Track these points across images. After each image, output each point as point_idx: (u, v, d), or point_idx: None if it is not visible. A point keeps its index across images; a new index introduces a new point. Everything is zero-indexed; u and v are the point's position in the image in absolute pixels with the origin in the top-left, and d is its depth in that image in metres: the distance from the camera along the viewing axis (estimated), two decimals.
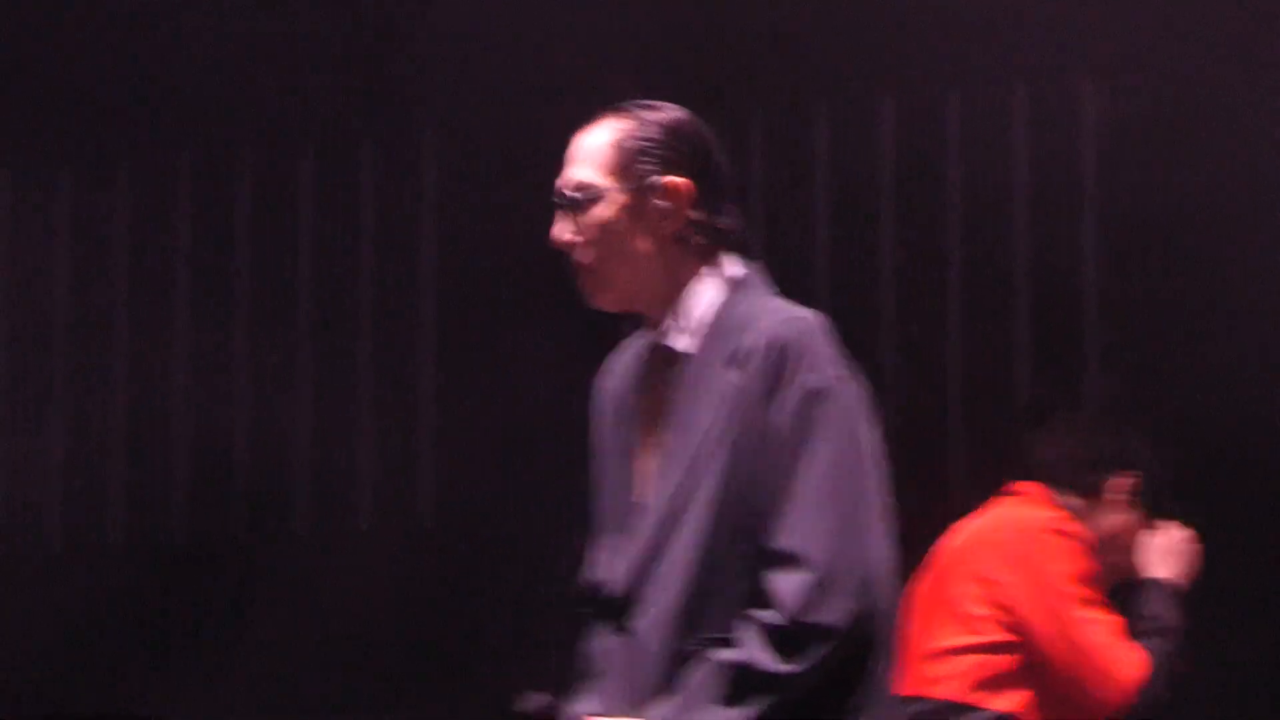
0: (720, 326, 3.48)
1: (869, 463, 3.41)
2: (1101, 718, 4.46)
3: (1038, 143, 6.30)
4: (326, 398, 6.96)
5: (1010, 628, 4.46)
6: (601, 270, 3.51)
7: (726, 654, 3.34)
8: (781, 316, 3.43)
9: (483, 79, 6.72)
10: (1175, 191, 6.11)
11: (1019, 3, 6.11)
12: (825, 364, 3.39)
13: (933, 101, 6.39)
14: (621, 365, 3.63)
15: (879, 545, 3.39)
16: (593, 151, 3.51)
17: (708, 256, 3.52)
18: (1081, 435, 4.66)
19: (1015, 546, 4.41)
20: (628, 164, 3.49)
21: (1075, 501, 4.54)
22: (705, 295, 3.51)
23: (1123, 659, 4.43)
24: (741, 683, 3.35)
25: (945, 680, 4.39)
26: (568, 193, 3.51)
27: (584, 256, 3.49)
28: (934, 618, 4.44)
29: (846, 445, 3.39)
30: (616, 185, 3.49)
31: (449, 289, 6.90)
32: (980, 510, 4.56)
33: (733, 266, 3.53)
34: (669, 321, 3.50)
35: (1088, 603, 4.43)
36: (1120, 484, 4.54)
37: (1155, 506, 4.56)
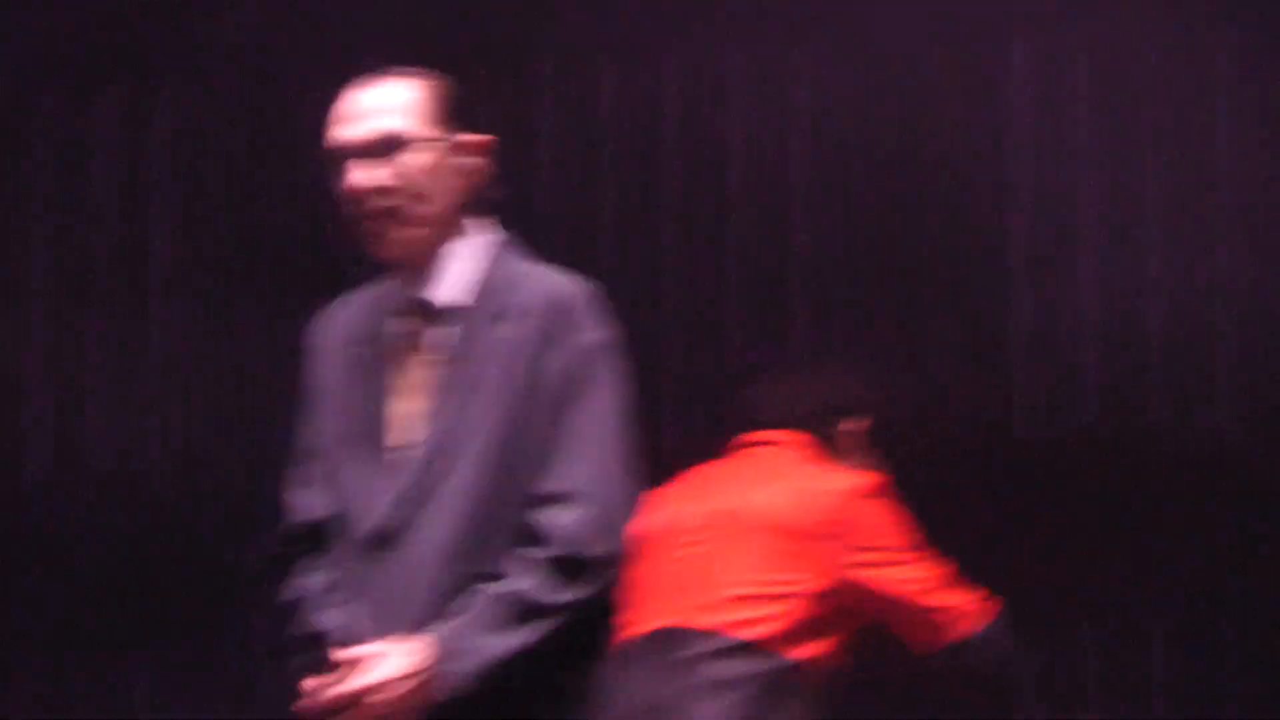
0: (489, 285, 3.72)
1: (630, 415, 3.74)
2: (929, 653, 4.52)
3: (750, 110, 6.44)
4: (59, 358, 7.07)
5: (833, 577, 4.34)
6: (403, 214, 3.68)
7: (500, 586, 3.60)
8: (557, 279, 3.73)
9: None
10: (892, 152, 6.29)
11: None
12: (599, 323, 3.72)
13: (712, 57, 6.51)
14: (347, 315, 3.84)
15: (636, 489, 3.76)
16: (398, 104, 3.70)
17: (474, 217, 3.75)
18: (815, 383, 4.74)
19: (834, 499, 4.36)
20: (439, 117, 3.72)
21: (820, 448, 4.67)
22: (470, 254, 3.74)
23: (954, 601, 4.38)
24: (514, 612, 3.62)
25: (756, 623, 4.26)
26: (372, 140, 3.67)
27: (387, 200, 3.67)
28: (743, 560, 4.33)
29: (619, 397, 3.74)
30: (428, 135, 3.70)
31: (182, 254, 6.99)
32: (733, 458, 4.62)
33: (492, 230, 3.77)
34: (430, 275, 3.72)
35: (917, 548, 4.42)
36: (855, 428, 4.63)
37: (886, 451, 4.66)
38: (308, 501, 3.84)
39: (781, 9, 6.36)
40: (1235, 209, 6.24)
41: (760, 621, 4.27)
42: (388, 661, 3.63)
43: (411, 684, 3.62)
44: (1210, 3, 6.29)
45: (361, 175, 3.69)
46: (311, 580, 3.80)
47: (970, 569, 4.34)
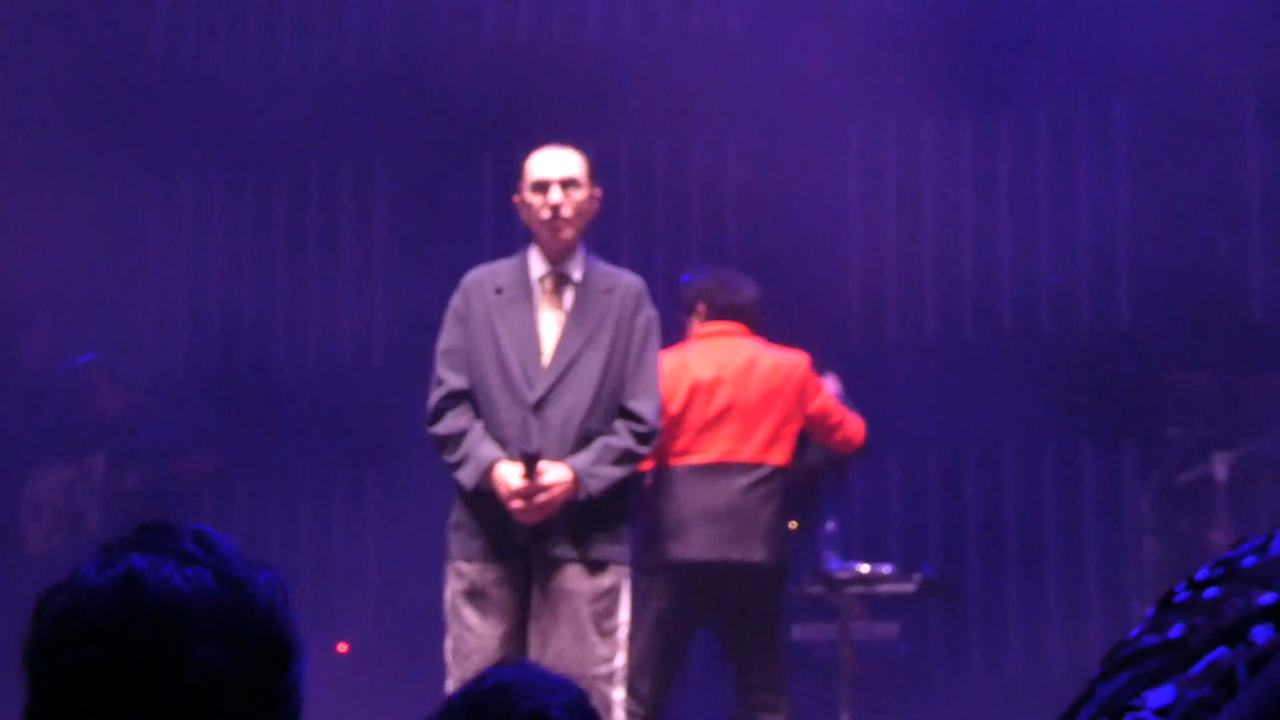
0: (592, 271, 6.10)
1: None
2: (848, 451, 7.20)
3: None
4: None
5: (804, 415, 7.04)
6: (572, 224, 6.03)
7: (613, 439, 5.95)
8: (630, 275, 6.18)
9: None
10: None
11: None
12: (650, 303, 6.15)
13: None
14: (494, 273, 6.12)
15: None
16: (574, 161, 6.09)
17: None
18: (745, 286, 7.27)
19: (797, 370, 7.03)
20: (589, 174, 6.12)
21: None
22: (583, 252, 6.14)
23: (855, 420, 7.17)
24: (624, 456, 5.96)
25: (779, 453, 6.93)
26: (564, 179, 6.05)
27: (567, 218, 6.03)
28: (766, 413, 6.94)
29: (659, 348, 6.17)
30: (587, 185, 6.10)
31: None
32: (708, 339, 7.17)
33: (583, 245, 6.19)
34: (568, 262, 6.07)
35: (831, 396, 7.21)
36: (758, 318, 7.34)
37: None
38: (456, 377, 6.02)
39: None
40: None
41: (781, 452, 6.90)
42: (552, 472, 5.83)
43: (563, 489, 5.83)
44: None
45: (557, 197, 6.06)
46: (464, 422, 5.98)
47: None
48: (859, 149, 9.76)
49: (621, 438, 5.96)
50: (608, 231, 9.40)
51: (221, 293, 10.06)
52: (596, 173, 6.18)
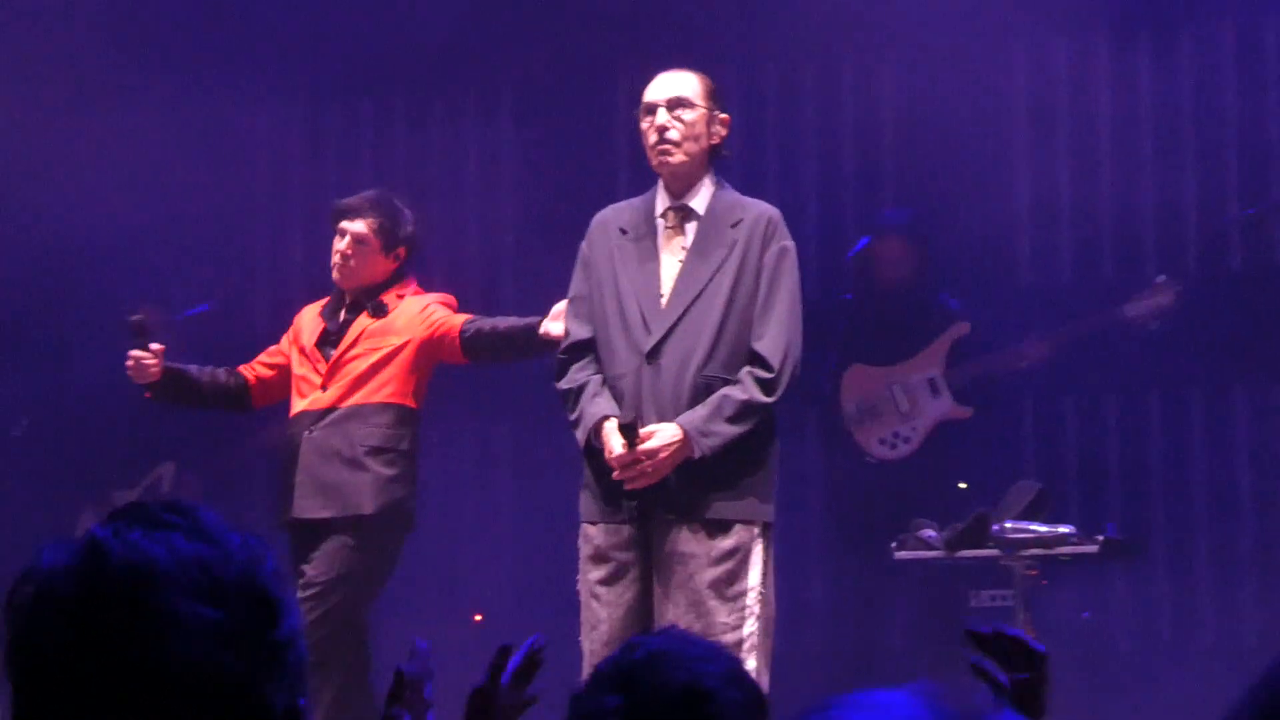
0: (719, 201, 5.73)
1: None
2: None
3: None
4: None
5: None
6: (682, 149, 5.68)
7: (734, 390, 5.56)
8: (763, 205, 5.80)
9: None
10: None
11: None
12: (786, 234, 5.74)
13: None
14: (618, 214, 5.82)
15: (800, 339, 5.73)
16: (685, 83, 5.74)
17: (712, 162, 5.79)
18: None
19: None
20: (707, 96, 5.74)
21: None
22: (709, 182, 5.77)
23: None
24: (744, 410, 5.54)
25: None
26: (670, 103, 5.69)
27: (674, 142, 5.67)
28: None
29: (796, 280, 5.74)
30: (703, 108, 5.71)
31: None
32: None
33: (715, 174, 5.82)
34: (690, 193, 5.72)
35: None
36: None
37: None
38: (580, 327, 5.75)
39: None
40: None
41: None
42: (661, 434, 5.51)
43: (670, 452, 5.50)
44: None
45: (663, 118, 5.70)
46: (584, 376, 5.69)
47: None
48: (1026, 72, 9.07)
49: (744, 388, 5.58)
50: (753, 164, 8.85)
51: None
52: (720, 96, 5.83)
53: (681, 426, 5.52)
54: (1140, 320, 8.07)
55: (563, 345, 5.83)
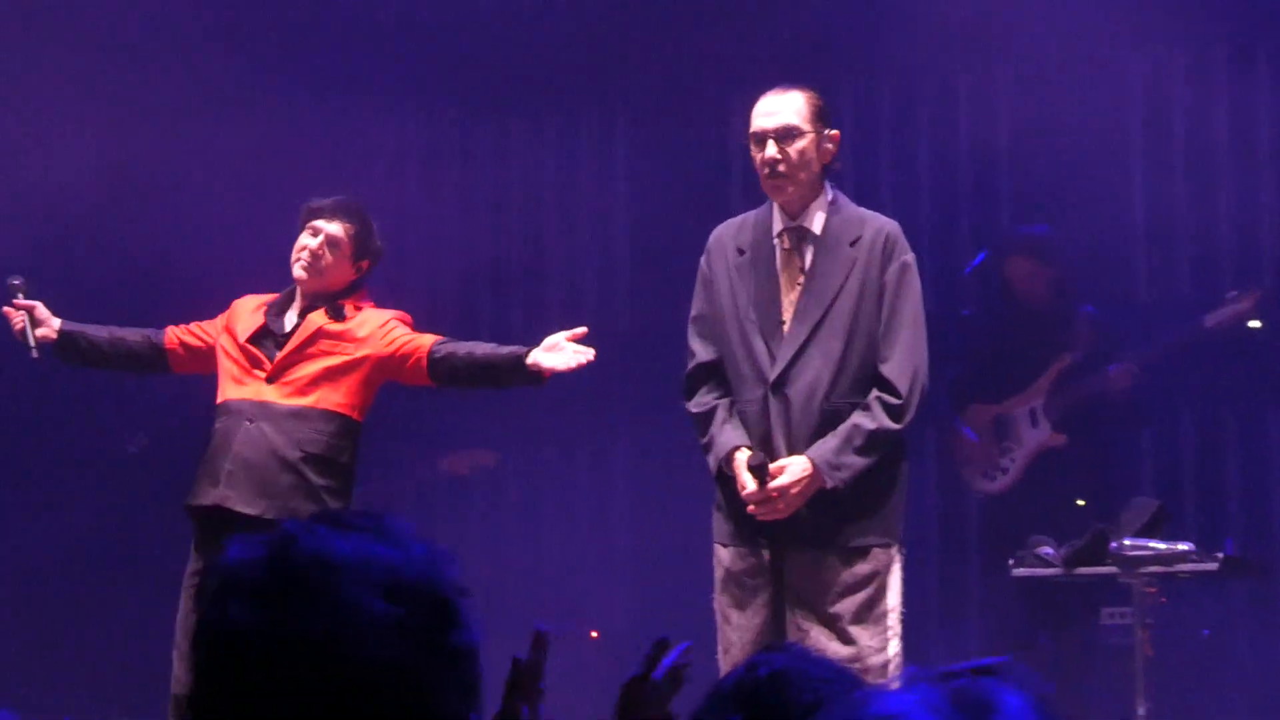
0: (836, 219, 5.65)
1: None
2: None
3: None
4: None
5: None
6: (791, 177, 5.61)
7: (862, 420, 5.52)
8: (881, 218, 5.74)
9: None
10: None
11: None
12: (905, 248, 5.68)
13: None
14: (735, 232, 5.76)
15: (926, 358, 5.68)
16: (794, 107, 5.66)
17: (824, 179, 5.74)
18: None
19: None
20: (815, 117, 5.67)
21: None
22: (824, 201, 5.70)
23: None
24: (874, 439, 5.51)
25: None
26: (778, 129, 5.63)
27: (785, 172, 5.61)
28: None
29: (919, 296, 5.69)
30: (811, 130, 5.64)
31: None
32: None
33: (831, 187, 5.77)
34: (806, 214, 5.66)
35: None
36: None
37: None
38: (705, 348, 5.74)
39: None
40: None
41: None
42: (791, 469, 5.50)
43: (801, 488, 5.48)
44: None
45: (770, 157, 5.66)
46: (713, 400, 5.68)
47: None
48: (1144, 83, 8.98)
49: (873, 416, 5.55)
50: (868, 179, 8.84)
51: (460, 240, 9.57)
52: (827, 113, 5.78)
53: (812, 460, 5.50)
54: (1223, 327, 8.02)
55: (689, 365, 5.79)
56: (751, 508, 5.52)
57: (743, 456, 5.55)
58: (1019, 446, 8.25)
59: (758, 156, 5.67)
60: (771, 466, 5.52)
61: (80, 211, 8.68)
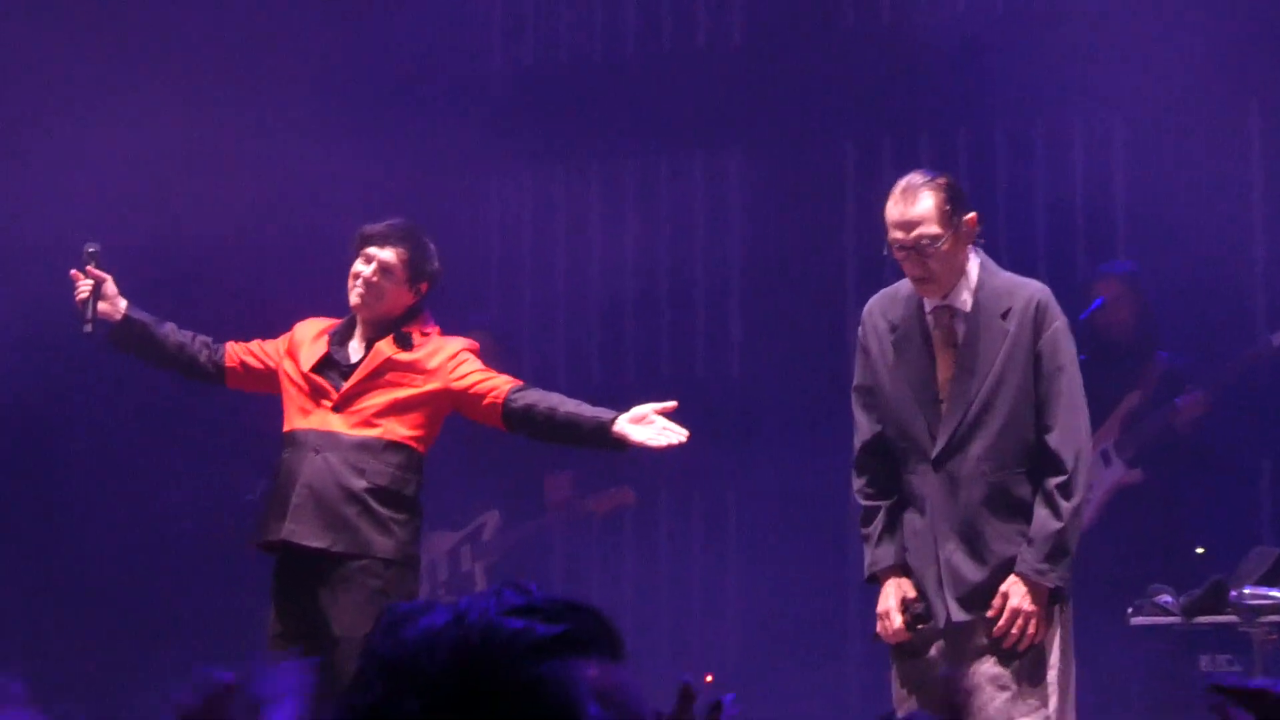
0: (985, 292, 5.57)
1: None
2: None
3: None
4: None
5: None
6: (937, 280, 5.55)
7: (1050, 520, 5.44)
8: (1031, 284, 5.65)
9: None
10: None
11: None
12: (1057, 313, 5.58)
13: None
14: (889, 306, 5.69)
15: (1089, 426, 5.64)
16: (927, 213, 5.51)
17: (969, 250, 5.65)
18: None
19: None
20: (949, 213, 5.52)
21: None
22: (971, 273, 5.61)
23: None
24: (1061, 536, 5.46)
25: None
26: (915, 242, 5.51)
27: (929, 277, 5.54)
28: None
29: (1075, 360, 5.60)
30: (947, 231, 5.51)
31: None
32: None
33: (976, 255, 5.66)
34: (956, 291, 5.58)
35: None
36: None
37: None
38: (869, 421, 5.70)
39: None
40: None
41: None
42: (1013, 593, 5.47)
43: (1028, 598, 5.46)
44: None
45: (912, 266, 5.58)
46: (875, 490, 5.68)
47: None
48: (1261, 130, 8.93)
49: (1051, 506, 5.50)
50: (984, 224, 8.79)
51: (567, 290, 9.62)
52: (959, 199, 5.59)
53: (1020, 576, 5.49)
54: None
55: (857, 441, 5.75)
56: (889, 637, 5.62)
57: (894, 589, 5.61)
58: (1092, 489, 8.16)
59: (899, 256, 5.59)
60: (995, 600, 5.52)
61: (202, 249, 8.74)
